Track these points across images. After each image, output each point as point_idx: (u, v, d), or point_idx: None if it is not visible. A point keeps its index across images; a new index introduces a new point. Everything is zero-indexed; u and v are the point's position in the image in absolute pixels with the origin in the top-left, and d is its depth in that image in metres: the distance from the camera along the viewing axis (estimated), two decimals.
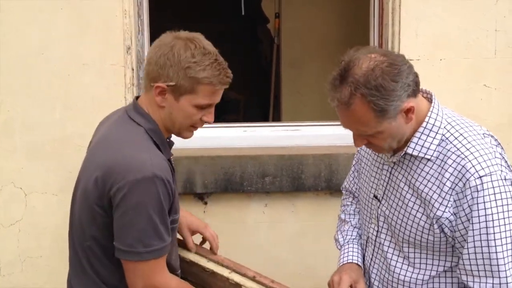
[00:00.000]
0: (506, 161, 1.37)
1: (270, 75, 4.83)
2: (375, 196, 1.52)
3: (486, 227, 1.28)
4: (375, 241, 1.53)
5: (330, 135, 2.38)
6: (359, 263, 1.59)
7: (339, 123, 2.40)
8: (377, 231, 1.52)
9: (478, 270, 1.30)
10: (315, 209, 2.28)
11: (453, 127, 1.38)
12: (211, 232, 1.74)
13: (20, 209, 2.23)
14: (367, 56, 1.30)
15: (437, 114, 1.38)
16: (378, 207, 1.50)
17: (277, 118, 4.70)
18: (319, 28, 4.36)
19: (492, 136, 1.41)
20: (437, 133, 1.36)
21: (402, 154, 1.40)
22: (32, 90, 2.20)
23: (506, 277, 1.28)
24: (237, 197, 2.26)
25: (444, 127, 1.37)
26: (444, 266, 1.40)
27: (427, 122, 1.36)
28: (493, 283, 1.28)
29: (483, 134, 1.38)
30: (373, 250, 1.54)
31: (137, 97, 1.51)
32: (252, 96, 5.19)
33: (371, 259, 1.56)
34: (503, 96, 2.27)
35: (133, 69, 2.22)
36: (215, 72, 1.41)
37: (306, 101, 4.45)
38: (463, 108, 2.21)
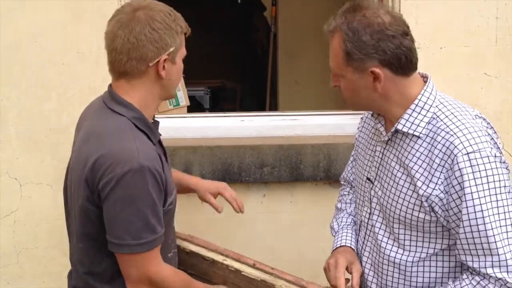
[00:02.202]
0: (496, 143, 1.37)
1: (266, 64, 4.80)
2: (368, 178, 1.53)
3: (480, 204, 1.27)
4: (367, 223, 1.54)
5: (329, 125, 2.36)
6: (352, 246, 1.59)
7: (337, 112, 2.42)
8: (370, 213, 1.52)
9: (476, 249, 1.29)
10: (313, 199, 2.27)
11: (445, 106, 1.39)
12: (230, 193, 1.78)
13: (15, 200, 2.20)
14: (376, 8, 1.35)
15: (430, 93, 1.39)
16: (371, 189, 1.51)
17: (274, 107, 4.68)
18: (317, 16, 4.31)
19: (484, 119, 1.41)
20: (428, 111, 1.38)
21: (392, 131, 1.42)
22: (26, 79, 2.17)
23: (505, 253, 1.27)
24: (235, 187, 2.21)
25: (436, 106, 1.39)
26: (434, 249, 1.40)
27: (419, 100, 1.38)
28: (492, 261, 1.27)
29: (475, 115, 1.39)
30: (365, 233, 1.55)
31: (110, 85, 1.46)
32: (248, 85, 5.16)
33: (363, 242, 1.56)
34: (503, 85, 2.25)
35: None
36: (181, 22, 1.44)
37: (303, 90, 4.43)
38: (463, 96, 2.18)
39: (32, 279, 2.24)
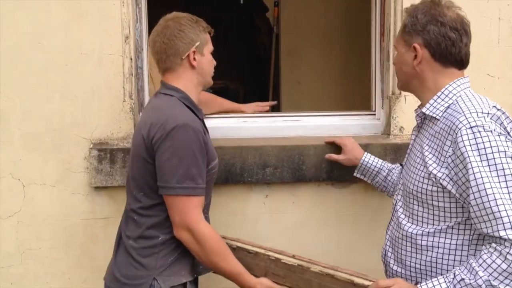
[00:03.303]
0: (505, 128, 1.48)
1: (269, 65, 4.80)
2: (401, 164, 1.81)
3: (485, 171, 1.40)
4: (395, 204, 1.72)
5: (331, 126, 2.36)
6: (367, 156, 2.02)
7: (340, 113, 2.41)
8: (397, 195, 1.71)
9: (487, 214, 1.40)
10: (316, 200, 2.27)
11: (467, 96, 1.55)
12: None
13: (19, 201, 2.21)
14: (450, 3, 1.60)
15: (458, 86, 1.56)
16: (401, 172, 1.75)
17: (276, 108, 4.68)
18: (319, 17, 4.33)
19: (504, 113, 1.53)
20: (450, 98, 1.55)
21: (421, 115, 1.62)
22: (29, 80, 2.17)
23: None
24: (238, 188, 2.25)
25: (460, 96, 1.55)
26: (443, 226, 1.53)
27: (446, 89, 1.56)
28: (503, 223, 1.38)
29: (493, 106, 1.53)
30: (392, 214, 1.73)
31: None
32: (250, 86, 5.16)
33: (389, 223, 1.75)
34: (506, 85, 2.25)
35: (131, 59, 2.19)
36: (203, 23, 1.86)
37: (305, 90, 4.43)
38: None
39: (36, 280, 2.24)
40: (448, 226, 1.52)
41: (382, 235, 2.27)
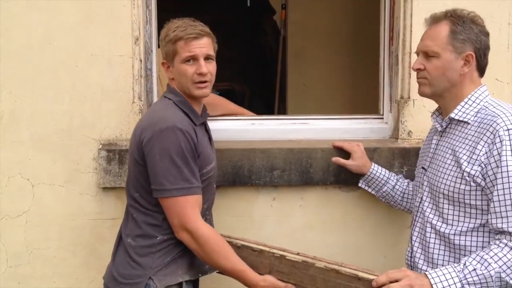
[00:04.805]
0: None
1: (275, 67, 4.81)
2: (423, 167, 1.81)
3: None
4: (418, 207, 1.78)
5: (339, 129, 2.36)
6: (372, 163, 2.07)
7: (348, 116, 2.41)
8: (421, 198, 1.76)
9: (506, 211, 1.50)
10: (323, 203, 2.27)
11: (494, 101, 1.66)
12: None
13: (27, 200, 2.22)
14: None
15: (483, 92, 1.67)
16: (424, 175, 1.78)
17: (282, 110, 4.68)
18: (326, 20, 4.33)
19: None
20: (478, 104, 1.65)
21: (447, 120, 1.69)
22: (39, 81, 2.19)
23: None
24: (245, 190, 2.25)
25: (486, 101, 1.65)
26: (474, 224, 1.60)
27: (472, 95, 1.66)
28: None
29: None
30: (416, 215, 1.79)
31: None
32: (257, 88, 5.16)
33: (413, 224, 1.80)
34: None
35: (141, 60, 2.20)
36: (181, 29, 1.78)
37: (311, 93, 4.43)
38: None
39: (43, 279, 2.25)
40: (480, 224, 1.59)
41: (388, 238, 2.28)
